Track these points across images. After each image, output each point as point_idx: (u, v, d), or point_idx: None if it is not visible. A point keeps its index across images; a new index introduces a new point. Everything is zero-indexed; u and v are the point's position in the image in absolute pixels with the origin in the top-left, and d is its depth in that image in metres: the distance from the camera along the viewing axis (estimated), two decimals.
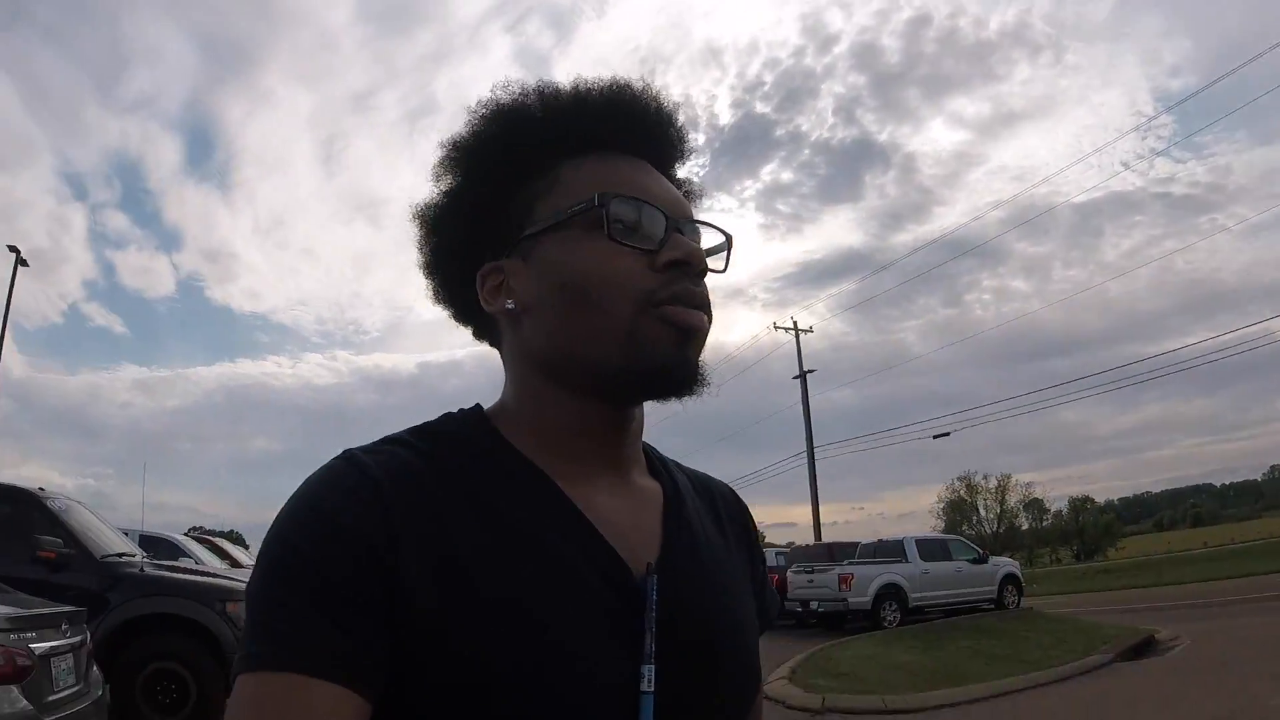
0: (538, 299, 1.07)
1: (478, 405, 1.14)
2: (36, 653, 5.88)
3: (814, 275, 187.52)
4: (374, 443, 1.05)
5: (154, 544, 13.94)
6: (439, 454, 1.04)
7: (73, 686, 6.41)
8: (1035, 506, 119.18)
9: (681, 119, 1.19)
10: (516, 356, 1.13)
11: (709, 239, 1.15)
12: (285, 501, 0.98)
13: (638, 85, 1.16)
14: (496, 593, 0.94)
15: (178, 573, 10.09)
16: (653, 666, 0.97)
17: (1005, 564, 25.79)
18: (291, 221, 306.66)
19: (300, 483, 1.00)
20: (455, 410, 1.14)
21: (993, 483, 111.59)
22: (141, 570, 9.43)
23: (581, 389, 1.07)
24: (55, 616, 6.51)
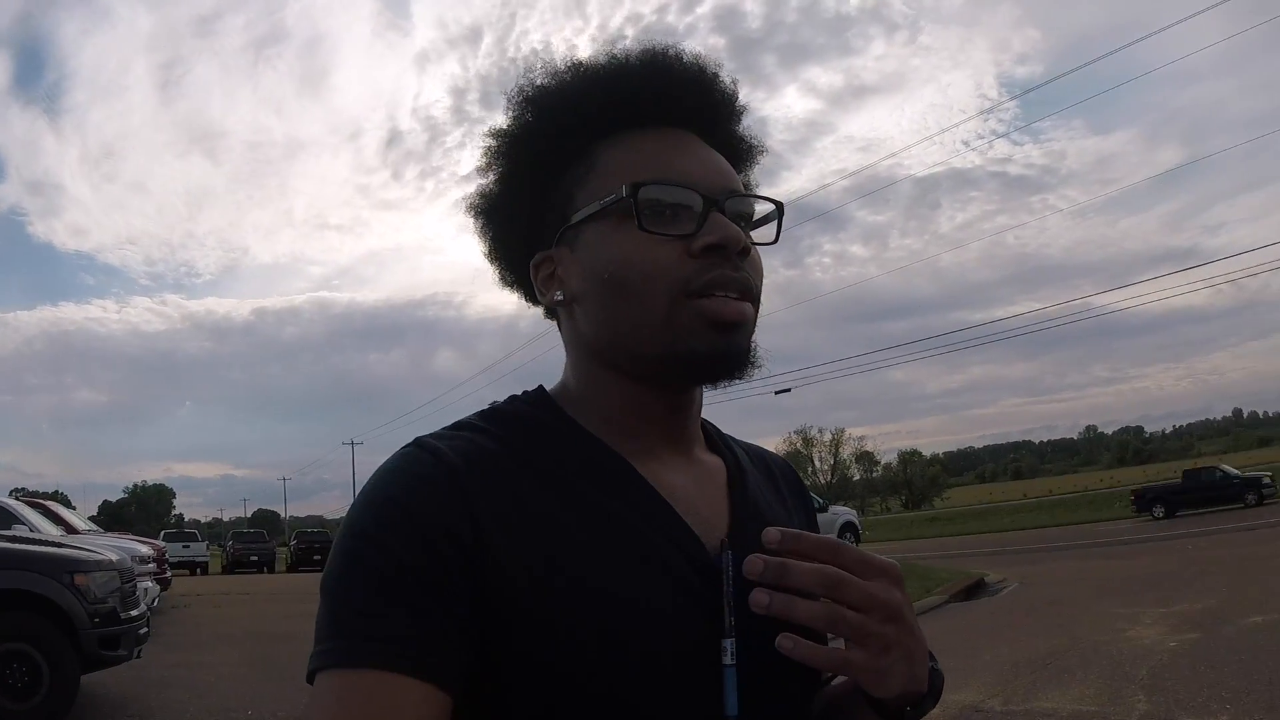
0: (583, 290, 1.07)
1: (540, 387, 1.14)
2: None
3: None
4: (444, 429, 1.05)
5: None
6: (511, 437, 1.03)
7: None
8: (867, 459, 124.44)
9: (727, 78, 1.15)
10: (572, 343, 1.13)
11: (760, 207, 1.12)
12: (360, 492, 0.98)
13: (673, 52, 1.12)
14: (581, 571, 0.94)
15: (16, 543, 9.38)
16: (733, 640, 0.97)
17: (844, 513, 26.72)
18: (123, 152, 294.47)
19: (373, 472, 1.00)
20: (520, 393, 1.14)
21: (827, 436, 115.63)
22: None
23: (632, 376, 1.06)
24: None
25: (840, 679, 1.15)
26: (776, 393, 38.82)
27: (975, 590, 17.78)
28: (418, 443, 1.00)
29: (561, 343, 1.16)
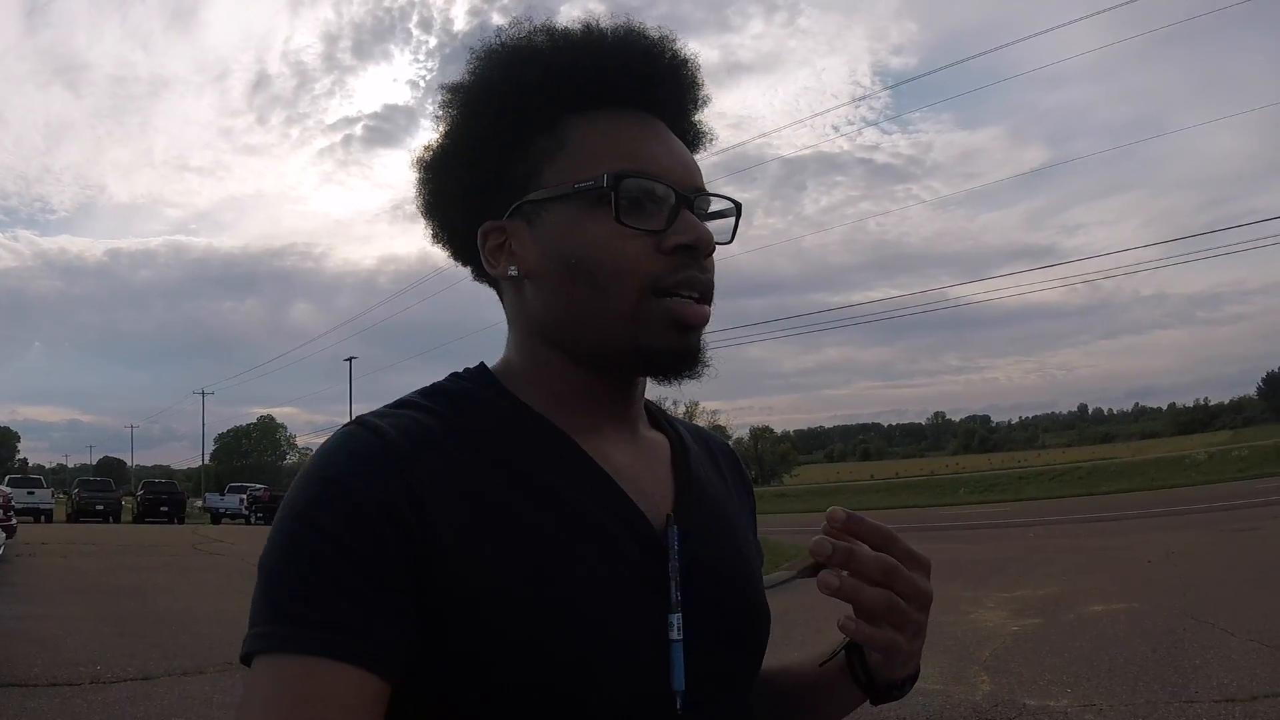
0: (541, 270, 1.05)
1: (482, 364, 1.13)
2: None
3: None
4: (385, 407, 1.04)
5: None
6: (453, 415, 1.02)
7: None
8: (719, 433, 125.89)
9: (698, 67, 1.14)
10: (518, 319, 1.11)
11: (716, 203, 1.12)
12: (300, 471, 0.96)
13: (654, 34, 1.10)
14: (525, 548, 0.94)
15: None
16: (680, 615, 0.98)
17: None
18: None
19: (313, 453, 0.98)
20: (461, 370, 1.12)
21: (681, 409, 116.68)
22: None
23: (582, 359, 1.06)
24: None
25: (803, 659, 1.22)
26: None
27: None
28: (358, 421, 0.99)
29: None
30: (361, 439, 0.95)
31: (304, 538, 0.89)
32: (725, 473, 1.26)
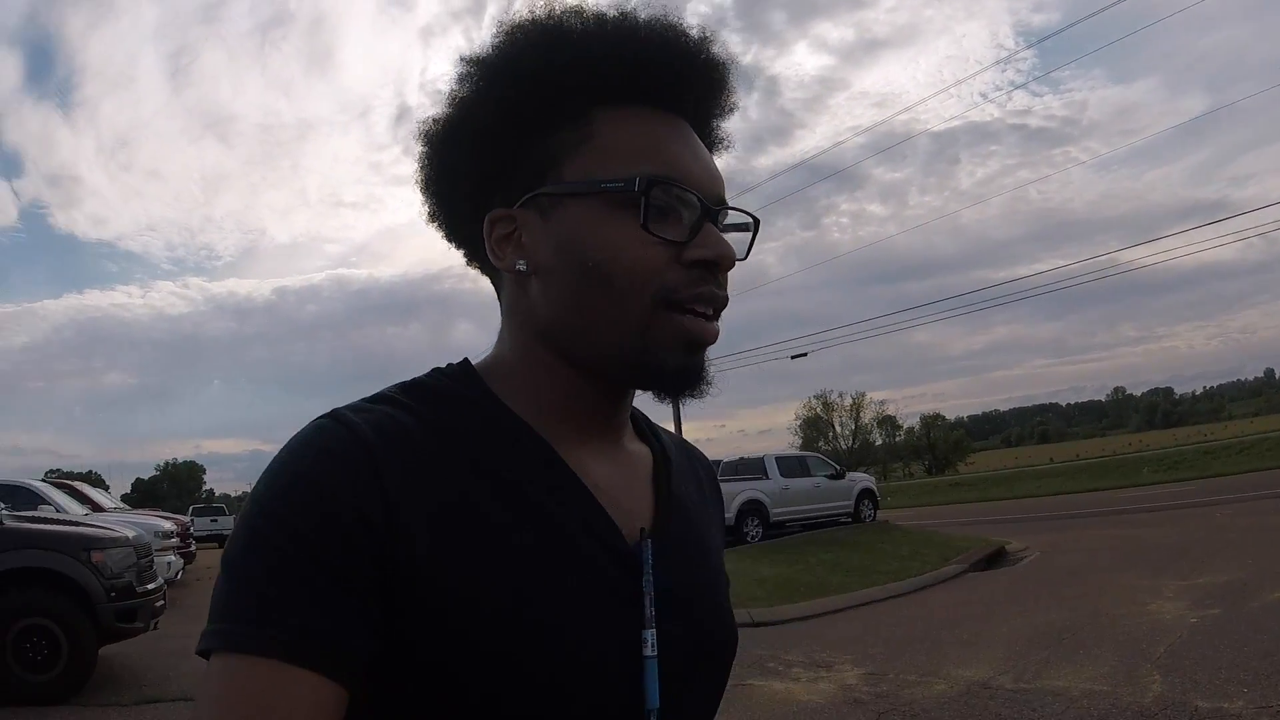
0: (553, 267, 1.01)
1: (466, 361, 1.09)
2: None
3: None
4: (361, 401, 1.00)
5: (11, 493, 13.47)
6: (431, 413, 0.99)
7: None
8: (888, 423, 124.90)
9: (732, 72, 1.10)
10: (516, 316, 1.07)
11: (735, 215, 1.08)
12: (269, 464, 0.93)
13: (694, 32, 1.06)
14: (497, 559, 0.91)
15: (38, 523, 9.73)
16: (654, 631, 0.96)
17: (862, 479, 26.39)
18: (137, 141, 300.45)
19: (283, 445, 0.94)
20: (444, 366, 1.09)
21: (847, 400, 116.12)
22: (0, 523, 8.97)
23: (581, 364, 1.03)
24: None
25: None
26: (793, 357, 38.86)
27: (995, 559, 17.68)
28: (332, 415, 0.95)
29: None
30: (334, 434, 0.92)
31: (269, 535, 0.86)
32: (704, 487, 1.25)
